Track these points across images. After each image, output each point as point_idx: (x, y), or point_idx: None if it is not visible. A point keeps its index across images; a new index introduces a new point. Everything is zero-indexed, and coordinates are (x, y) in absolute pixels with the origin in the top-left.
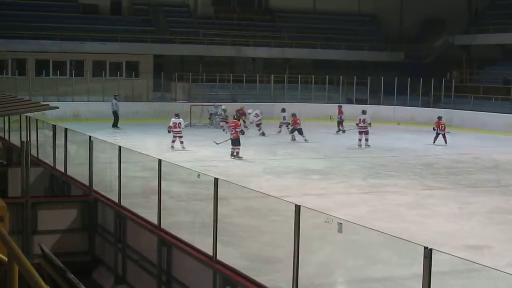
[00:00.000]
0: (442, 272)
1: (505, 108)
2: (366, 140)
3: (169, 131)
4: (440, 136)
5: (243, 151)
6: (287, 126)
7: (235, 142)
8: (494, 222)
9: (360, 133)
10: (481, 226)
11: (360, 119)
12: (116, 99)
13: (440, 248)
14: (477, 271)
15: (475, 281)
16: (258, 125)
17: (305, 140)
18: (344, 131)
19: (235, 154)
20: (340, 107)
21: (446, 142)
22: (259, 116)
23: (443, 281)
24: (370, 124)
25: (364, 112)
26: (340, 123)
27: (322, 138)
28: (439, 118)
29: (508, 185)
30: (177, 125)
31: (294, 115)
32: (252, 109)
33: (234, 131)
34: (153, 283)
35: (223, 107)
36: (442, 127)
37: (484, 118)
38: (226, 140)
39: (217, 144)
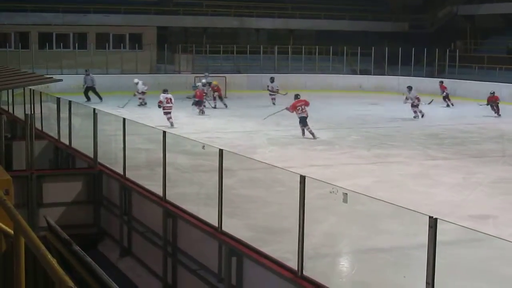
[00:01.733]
0: (447, 242)
1: (510, 78)
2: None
3: (159, 106)
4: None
5: (242, 121)
6: (273, 95)
7: (303, 121)
8: (498, 192)
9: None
10: (485, 196)
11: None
12: (88, 74)
13: (444, 218)
14: (481, 241)
15: (480, 250)
16: (144, 93)
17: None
18: (453, 104)
19: (311, 133)
20: (441, 82)
21: (497, 113)
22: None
23: (448, 250)
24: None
25: (410, 88)
26: (446, 97)
27: (326, 108)
28: (492, 93)
29: None
30: (169, 101)
31: (197, 87)
32: (138, 79)
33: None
34: (159, 255)
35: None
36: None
37: (488, 88)
38: (275, 113)
39: (264, 118)
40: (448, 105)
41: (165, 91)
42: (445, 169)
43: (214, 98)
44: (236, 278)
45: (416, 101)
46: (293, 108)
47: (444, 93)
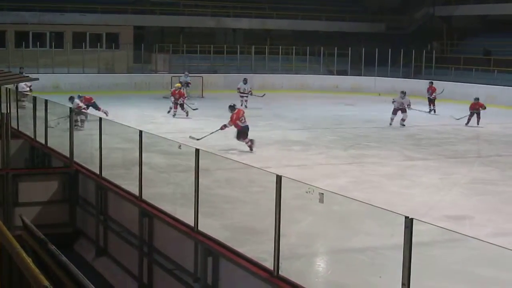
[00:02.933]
0: (423, 242)
1: (486, 79)
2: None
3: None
4: (475, 115)
5: (219, 122)
6: (245, 96)
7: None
8: (474, 193)
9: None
10: (461, 196)
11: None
12: (21, 73)
13: (421, 218)
14: (457, 241)
15: (456, 250)
16: (25, 95)
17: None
18: (435, 111)
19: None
20: (431, 83)
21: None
22: (28, 86)
23: (424, 251)
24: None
25: (404, 94)
26: (432, 101)
27: (303, 109)
28: (476, 99)
29: (488, 155)
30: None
31: (80, 97)
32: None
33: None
34: (135, 254)
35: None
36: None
37: (465, 89)
38: (211, 133)
39: (197, 139)
40: (430, 110)
41: (79, 97)
42: (421, 169)
43: (179, 105)
44: (212, 278)
45: (404, 107)
46: (235, 120)
47: (433, 96)
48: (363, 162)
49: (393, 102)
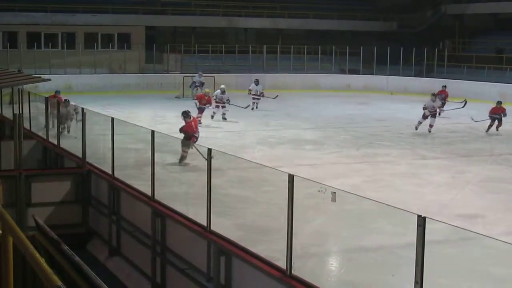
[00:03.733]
0: (436, 241)
1: (498, 78)
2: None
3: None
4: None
5: (231, 121)
6: (257, 98)
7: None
8: (487, 191)
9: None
10: (474, 195)
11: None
12: None
13: (433, 217)
14: (470, 240)
15: (469, 249)
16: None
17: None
18: (439, 113)
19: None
20: (444, 87)
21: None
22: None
23: (436, 249)
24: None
25: (435, 96)
26: (442, 104)
27: (315, 108)
28: (499, 103)
29: (501, 154)
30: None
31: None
32: None
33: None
34: (148, 254)
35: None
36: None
37: (477, 87)
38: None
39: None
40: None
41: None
42: (434, 168)
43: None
44: (225, 278)
45: (437, 109)
46: (196, 128)
47: (446, 101)
48: (375, 161)
49: (424, 108)
